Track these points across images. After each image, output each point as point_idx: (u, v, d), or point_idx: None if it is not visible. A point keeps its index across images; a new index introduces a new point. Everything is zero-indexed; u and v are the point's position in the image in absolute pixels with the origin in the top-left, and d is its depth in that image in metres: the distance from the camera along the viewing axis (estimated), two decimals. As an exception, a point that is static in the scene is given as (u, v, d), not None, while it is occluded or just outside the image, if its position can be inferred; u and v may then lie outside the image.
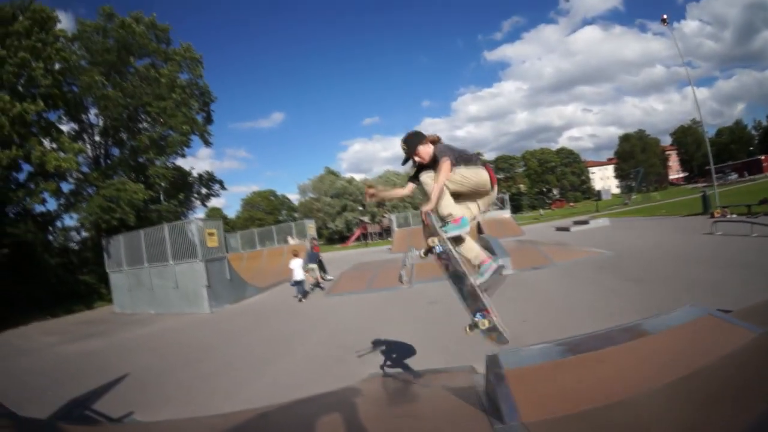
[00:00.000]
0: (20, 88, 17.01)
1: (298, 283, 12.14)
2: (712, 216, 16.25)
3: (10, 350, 10.57)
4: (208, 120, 25.55)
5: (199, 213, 28.20)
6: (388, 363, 5.18)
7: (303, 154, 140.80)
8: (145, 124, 23.51)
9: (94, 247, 19.94)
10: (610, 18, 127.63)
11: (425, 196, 2.93)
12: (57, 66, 18.03)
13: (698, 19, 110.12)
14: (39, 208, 20.00)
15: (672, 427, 1.46)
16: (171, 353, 8.13)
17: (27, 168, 18.35)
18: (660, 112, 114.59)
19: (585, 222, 24.11)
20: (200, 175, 27.23)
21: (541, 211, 64.27)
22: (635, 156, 74.80)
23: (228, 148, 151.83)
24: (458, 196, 2.98)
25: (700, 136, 62.61)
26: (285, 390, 4.79)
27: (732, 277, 6.95)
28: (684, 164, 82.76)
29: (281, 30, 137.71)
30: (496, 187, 3.08)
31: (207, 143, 25.52)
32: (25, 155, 16.84)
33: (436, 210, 2.90)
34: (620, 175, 78.41)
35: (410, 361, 5.09)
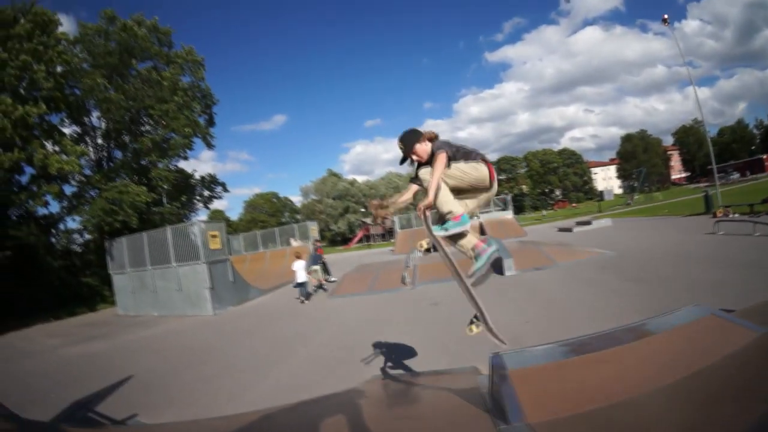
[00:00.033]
0: (22, 91, 17.06)
1: (301, 285, 12.16)
2: (715, 216, 16.22)
3: (13, 352, 10.59)
4: (211, 122, 25.60)
5: (202, 215, 28.27)
6: (392, 364, 5.18)
7: (305, 156, 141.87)
8: (147, 127, 23.58)
9: (97, 249, 19.97)
10: (611, 18, 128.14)
11: (425, 193, 2.82)
12: (59, 69, 18.09)
13: (699, 19, 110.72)
14: (41, 211, 20.11)
15: (676, 427, 1.46)
16: (174, 355, 8.15)
17: (29, 170, 18.45)
18: (661, 112, 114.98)
19: (587, 222, 24.09)
20: (203, 178, 27.29)
21: (544, 212, 64.27)
22: (637, 156, 74.81)
23: (230, 150, 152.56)
24: (458, 192, 2.91)
25: (701, 135, 62.53)
26: (288, 392, 4.81)
27: (734, 277, 6.93)
28: (686, 164, 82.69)
29: (283, 32, 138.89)
30: (495, 184, 2.98)
31: (209, 146, 25.66)
32: (28, 158, 16.88)
33: (435, 207, 2.81)
34: (622, 175, 78.42)
35: (413, 363, 5.09)
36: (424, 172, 2.86)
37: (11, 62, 16.27)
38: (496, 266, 11.10)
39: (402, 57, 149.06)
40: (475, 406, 2.00)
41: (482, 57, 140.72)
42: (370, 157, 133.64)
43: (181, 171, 25.41)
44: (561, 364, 2.17)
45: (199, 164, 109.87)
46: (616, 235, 17.26)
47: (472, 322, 2.80)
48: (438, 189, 2.75)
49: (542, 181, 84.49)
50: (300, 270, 12.17)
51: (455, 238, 2.93)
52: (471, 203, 3.01)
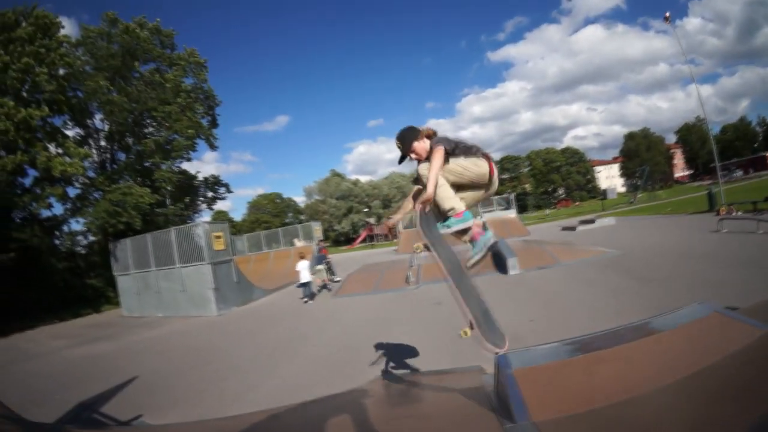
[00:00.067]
0: (25, 94, 17.18)
1: (305, 285, 12.17)
2: (718, 213, 16.14)
3: (17, 354, 10.64)
4: (214, 124, 25.63)
5: (206, 216, 28.27)
6: (396, 364, 5.18)
7: (308, 156, 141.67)
8: (150, 129, 23.67)
9: (101, 251, 20.06)
10: (613, 17, 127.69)
11: (424, 188, 2.69)
12: (61, 71, 18.18)
13: (700, 17, 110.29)
14: (45, 213, 20.20)
15: (681, 425, 1.46)
16: (179, 356, 8.17)
17: (33, 173, 18.56)
18: (664, 110, 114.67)
19: (591, 221, 23.99)
20: (206, 179, 27.37)
21: (547, 211, 64.20)
22: (640, 154, 74.51)
23: (233, 151, 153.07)
24: (458, 189, 2.84)
25: (704, 133, 62.24)
26: (293, 392, 4.81)
27: (738, 275, 6.91)
28: (689, 162, 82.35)
29: (284, 33, 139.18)
30: (496, 180, 2.92)
31: (212, 147, 25.69)
32: (31, 160, 16.98)
33: (435, 203, 2.74)
34: (626, 173, 78.07)
35: (418, 362, 5.09)
36: (423, 167, 2.80)
37: (13, 65, 16.36)
38: (500, 265, 11.09)
39: (404, 57, 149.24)
40: (480, 405, 2.01)
41: (484, 56, 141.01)
42: (373, 157, 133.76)
43: (185, 172, 25.49)
44: (565, 363, 2.17)
45: (202, 165, 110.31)
46: (619, 234, 17.20)
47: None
48: (438, 185, 2.67)
49: (545, 180, 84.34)
50: (304, 270, 12.19)
51: (460, 234, 2.87)
52: (470, 199, 2.95)
